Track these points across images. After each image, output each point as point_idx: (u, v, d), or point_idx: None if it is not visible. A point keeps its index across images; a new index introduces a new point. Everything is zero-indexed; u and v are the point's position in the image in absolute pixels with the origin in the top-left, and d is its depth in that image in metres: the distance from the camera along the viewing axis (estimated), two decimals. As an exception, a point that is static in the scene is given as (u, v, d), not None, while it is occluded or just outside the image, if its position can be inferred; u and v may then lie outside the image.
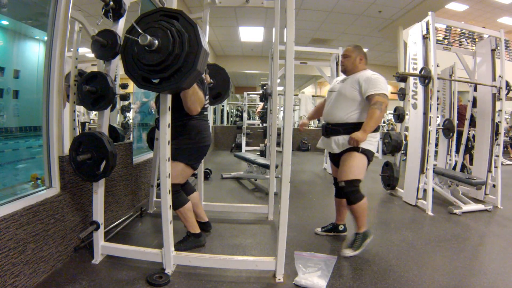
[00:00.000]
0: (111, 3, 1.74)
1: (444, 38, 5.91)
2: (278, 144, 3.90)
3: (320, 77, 11.81)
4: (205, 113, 2.06)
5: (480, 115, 3.56)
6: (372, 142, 2.01)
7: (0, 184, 1.90)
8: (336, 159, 2.14)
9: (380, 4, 5.98)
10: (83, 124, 3.23)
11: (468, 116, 3.87)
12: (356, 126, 1.95)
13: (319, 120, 6.55)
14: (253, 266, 1.73)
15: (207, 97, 2.05)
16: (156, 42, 1.34)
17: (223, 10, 6.37)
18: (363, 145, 1.96)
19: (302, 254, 1.88)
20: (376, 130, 2.01)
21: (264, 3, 2.43)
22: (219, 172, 4.46)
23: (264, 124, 6.30)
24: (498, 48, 3.32)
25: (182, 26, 1.38)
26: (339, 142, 2.04)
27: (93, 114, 4.12)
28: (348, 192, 1.98)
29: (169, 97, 1.63)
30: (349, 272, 1.81)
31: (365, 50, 2.13)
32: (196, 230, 2.05)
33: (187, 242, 2.01)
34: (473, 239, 2.43)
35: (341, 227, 2.34)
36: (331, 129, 2.08)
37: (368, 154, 2.01)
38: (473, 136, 3.98)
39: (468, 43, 5.93)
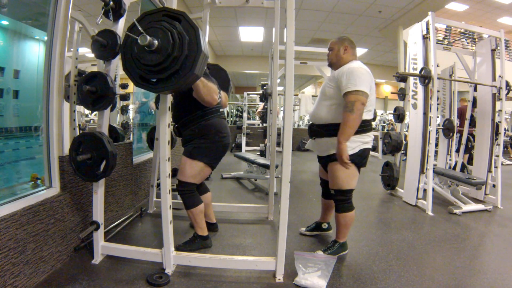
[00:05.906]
0: (111, 3, 1.73)
1: (444, 38, 5.91)
2: (278, 144, 3.91)
3: (320, 77, 11.80)
4: (221, 109, 2.03)
5: (480, 115, 3.56)
6: (353, 147, 1.82)
7: None
8: (322, 160, 2.04)
9: (380, 4, 5.98)
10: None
11: (468, 116, 3.87)
12: (335, 127, 1.80)
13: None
14: (253, 266, 1.73)
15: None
16: (156, 42, 1.33)
17: (223, 10, 6.38)
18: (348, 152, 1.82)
19: (302, 254, 1.88)
20: (364, 131, 1.84)
21: (264, 3, 2.43)
22: (219, 172, 4.46)
23: (264, 124, 6.30)
24: (498, 48, 3.32)
25: (183, 28, 1.37)
26: (321, 144, 1.94)
27: (93, 114, 4.13)
28: (337, 201, 1.94)
29: (169, 97, 1.63)
30: (349, 272, 1.81)
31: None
32: (204, 232, 2.04)
33: (193, 243, 2.00)
34: (473, 239, 2.43)
35: (324, 225, 2.33)
36: (314, 131, 1.99)
37: (356, 160, 1.83)
38: (473, 136, 3.98)
39: (468, 43, 5.92)
